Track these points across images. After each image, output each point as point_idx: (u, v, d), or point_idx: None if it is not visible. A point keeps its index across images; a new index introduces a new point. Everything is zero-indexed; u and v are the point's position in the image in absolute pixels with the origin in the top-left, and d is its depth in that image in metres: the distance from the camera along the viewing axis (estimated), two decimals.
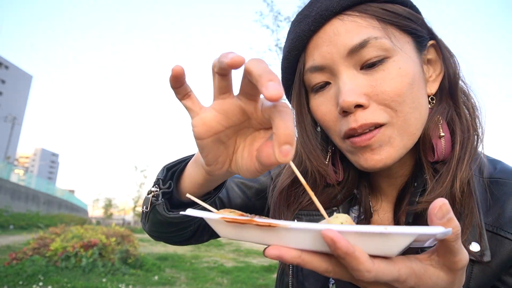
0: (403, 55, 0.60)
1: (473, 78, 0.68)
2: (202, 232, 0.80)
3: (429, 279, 0.38)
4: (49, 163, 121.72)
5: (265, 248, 0.37)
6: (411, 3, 0.64)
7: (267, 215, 0.84)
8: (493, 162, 0.67)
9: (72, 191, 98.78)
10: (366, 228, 0.33)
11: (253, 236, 0.39)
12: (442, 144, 0.63)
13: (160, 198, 0.63)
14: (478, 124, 0.65)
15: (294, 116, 0.69)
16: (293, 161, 0.69)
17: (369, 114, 0.58)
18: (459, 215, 0.59)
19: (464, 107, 0.66)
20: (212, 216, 0.40)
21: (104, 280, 6.46)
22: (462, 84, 0.67)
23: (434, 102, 0.66)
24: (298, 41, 0.64)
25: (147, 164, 56.06)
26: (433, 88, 0.66)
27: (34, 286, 5.59)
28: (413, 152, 0.67)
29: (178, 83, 0.43)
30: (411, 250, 0.49)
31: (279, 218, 0.70)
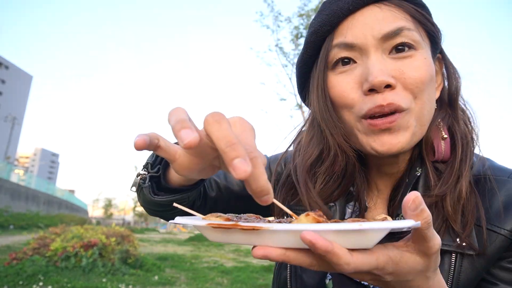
0: (428, 51, 0.64)
1: (473, 87, 0.73)
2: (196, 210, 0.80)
3: (406, 264, 0.41)
4: (49, 163, 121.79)
5: (252, 249, 0.39)
6: (432, 15, 0.69)
7: (265, 207, 0.85)
8: (482, 160, 0.70)
9: (72, 191, 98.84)
10: (342, 226, 0.36)
11: (240, 238, 0.41)
12: (442, 146, 0.67)
13: (147, 182, 0.66)
14: (474, 134, 0.70)
15: (315, 92, 0.70)
16: (314, 139, 0.74)
17: (395, 96, 0.60)
18: (462, 211, 0.62)
19: (461, 118, 0.71)
20: (200, 223, 0.42)
21: (104, 280, 6.47)
22: (460, 100, 0.72)
23: (436, 107, 0.70)
24: (333, 18, 0.65)
25: None
26: (436, 95, 0.71)
27: (34, 286, 5.60)
28: (411, 150, 0.69)
29: (144, 149, 0.41)
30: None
31: (312, 197, 0.70)
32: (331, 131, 0.69)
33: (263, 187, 0.36)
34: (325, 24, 0.66)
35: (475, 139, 0.69)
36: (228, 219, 0.43)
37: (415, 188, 0.67)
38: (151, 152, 0.67)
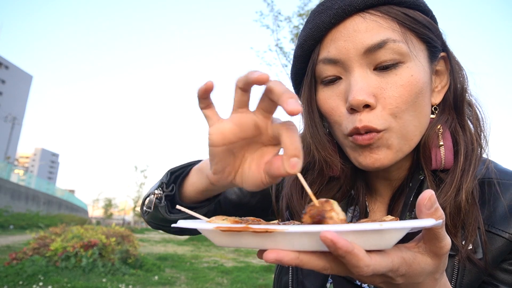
0: (417, 63, 0.61)
1: (480, 87, 0.69)
2: None
3: (418, 265, 0.41)
4: (49, 163, 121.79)
5: (263, 252, 0.37)
6: (431, 12, 0.65)
7: (264, 213, 0.85)
8: (485, 162, 0.68)
9: (72, 191, 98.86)
10: (363, 226, 0.35)
11: (250, 242, 0.39)
12: (441, 153, 0.65)
13: (163, 201, 0.68)
14: (482, 137, 0.66)
15: (303, 106, 0.70)
16: (304, 149, 0.71)
17: (372, 117, 0.59)
18: (463, 224, 0.60)
19: (468, 120, 0.67)
20: (207, 226, 0.39)
21: (104, 280, 6.46)
22: (468, 96, 0.68)
23: (437, 112, 0.68)
24: (316, 32, 0.64)
25: (147, 164, 56.09)
26: (437, 98, 0.68)
27: (34, 286, 5.59)
28: (410, 157, 0.68)
29: (205, 95, 0.47)
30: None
31: (294, 208, 0.72)
32: (316, 145, 0.69)
33: (298, 146, 0.42)
34: (309, 38, 0.65)
35: (483, 145, 0.66)
36: (237, 221, 0.42)
37: (419, 192, 0.66)
38: (166, 172, 0.73)
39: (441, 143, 0.65)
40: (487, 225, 0.61)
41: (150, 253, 11.17)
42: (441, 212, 0.39)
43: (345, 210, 0.73)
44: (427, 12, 0.64)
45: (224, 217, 0.45)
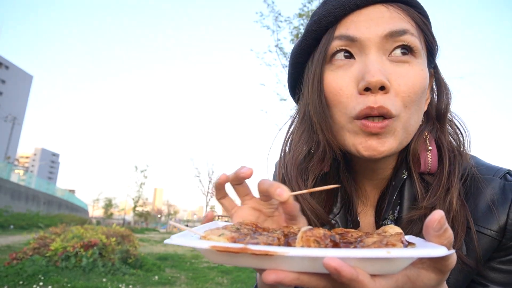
0: (423, 62, 0.63)
1: (461, 110, 0.72)
2: None
3: (422, 282, 0.40)
4: (49, 163, 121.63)
5: (261, 271, 0.37)
6: (431, 26, 0.68)
7: None
8: (467, 157, 0.68)
9: (72, 191, 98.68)
10: (369, 253, 0.33)
11: (248, 262, 0.37)
12: (429, 158, 0.66)
13: None
14: (463, 147, 0.68)
15: (310, 84, 0.67)
16: (304, 135, 0.71)
17: (387, 100, 0.58)
18: (452, 224, 0.60)
19: (448, 133, 0.70)
20: (201, 245, 0.37)
21: (104, 280, 6.46)
22: (450, 115, 0.71)
23: (423, 120, 0.69)
24: (339, 10, 0.63)
25: (147, 164, 56.01)
26: (425, 107, 0.69)
27: (34, 286, 5.59)
28: (396, 156, 0.69)
29: (221, 186, 0.57)
30: None
31: (296, 189, 0.69)
32: (322, 126, 0.66)
33: (274, 183, 0.49)
34: (330, 14, 0.63)
35: (464, 153, 0.68)
36: (234, 238, 0.39)
37: (401, 191, 0.67)
38: None
39: (430, 147, 0.66)
40: (469, 223, 0.61)
41: (150, 253, 11.16)
42: (449, 233, 0.37)
43: (345, 221, 0.73)
44: (431, 26, 0.67)
45: (221, 230, 0.42)
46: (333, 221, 0.72)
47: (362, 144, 0.60)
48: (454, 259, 0.40)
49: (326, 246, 0.36)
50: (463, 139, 0.69)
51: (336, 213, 0.72)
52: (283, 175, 0.72)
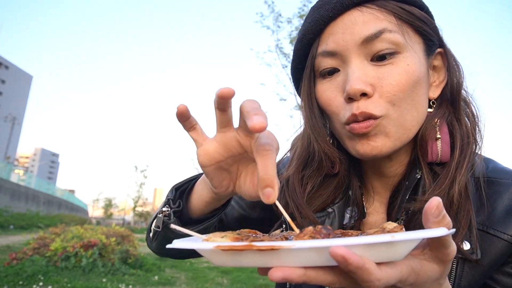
0: (413, 54, 0.62)
1: (475, 86, 0.70)
2: None
3: (425, 273, 0.40)
4: (49, 163, 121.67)
5: (265, 270, 0.36)
6: (427, 8, 0.67)
7: (268, 225, 0.82)
8: (486, 161, 0.68)
9: (72, 191, 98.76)
10: (373, 238, 0.33)
11: (253, 260, 0.36)
12: (438, 146, 0.65)
13: (172, 218, 0.67)
14: (477, 132, 0.67)
15: (303, 100, 0.72)
16: (305, 144, 0.75)
17: (369, 104, 0.60)
18: (455, 216, 0.60)
19: (464, 115, 0.68)
20: (205, 246, 0.36)
21: (104, 280, 6.46)
22: (464, 93, 0.69)
23: (434, 106, 0.68)
24: (315, 26, 0.66)
25: (147, 164, 56.03)
26: (435, 92, 0.69)
27: (34, 286, 5.59)
28: (407, 152, 0.69)
29: (184, 118, 0.49)
30: None
31: (297, 201, 0.71)
32: (316, 137, 0.70)
33: (271, 176, 0.41)
34: (308, 32, 0.67)
35: (478, 139, 0.66)
36: (236, 238, 0.39)
37: (415, 191, 0.66)
38: (170, 188, 0.72)
39: (438, 136, 0.65)
40: (485, 226, 0.60)
41: (150, 253, 11.14)
42: (448, 219, 0.38)
43: (342, 210, 0.73)
44: (423, 7, 0.66)
45: (223, 233, 0.42)
46: (330, 210, 0.72)
47: (356, 146, 0.63)
48: (454, 248, 0.40)
49: (324, 238, 0.36)
50: (477, 122, 0.67)
51: (335, 203, 0.73)
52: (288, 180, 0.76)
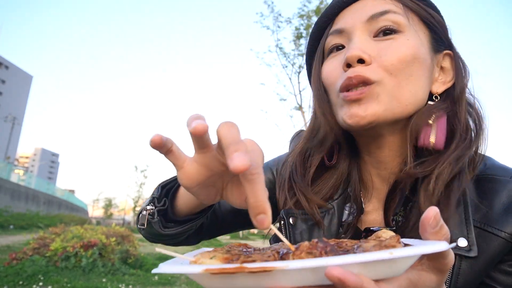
0: (415, 35, 0.65)
1: (480, 87, 0.70)
2: (199, 235, 0.83)
3: (423, 284, 0.39)
4: (49, 163, 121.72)
5: None
6: (436, 7, 0.70)
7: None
8: (483, 159, 0.68)
9: (72, 191, 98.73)
10: (371, 256, 0.31)
11: (246, 282, 0.34)
12: (429, 132, 0.64)
13: (155, 216, 0.66)
14: (481, 134, 0.66)
15: (314, 80, 0.75)
16: (310, 125, 0.76)
17: (367, 70, 0.62)
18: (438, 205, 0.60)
19: (468, 115, 0.67)
20: (193, 270, 0.33)
21: (104, 280, 6.46)
22: (469, 95, 0.69)
23: (437, 100, 0.69)
24: (330, 10, 0.72)
25: (147, 164, 56.04)
26: (439, 88, 0.69)
27: (34, 286, 5.59)
28: (402, 140, 0.68)
29: (159, 147, 0.43)
30: None
31: (297, 181, 0.73)
32: (323, 109, 0.72)
33: (261, 202, 0.37)
34: (324, 15, 0.73)
35: (482, 141, 0.65)
36: (227, 258, 0.37)
37: (414, 187, 0.65)
38: (157, 186, 0.72)
39: (431, 121, 0.64)
40: (483, 224, 0.60)
41: (150, 253, 11.16)
42: (446, 229, 0.37)
43: (342, 207, 0.73)
44: (432, 6, 0.70)
45: (212, 253, 0.39)
46: (329, 205, 0.72)
47: (346, 114, 0.64)
48: (452, 258, 0.39)
49: (321, 253, 0.35)
50: (481, 123, 0.67)
51: (335, 199, 0.73)
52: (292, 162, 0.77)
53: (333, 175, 0.74)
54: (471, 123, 0.67)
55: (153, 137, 0.42)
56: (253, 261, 0.35)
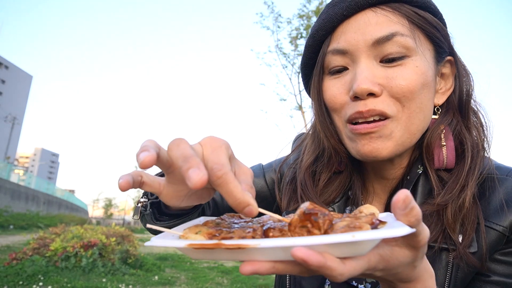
0: (422, 58, 0.62)
1: (484, 90, 0.71)
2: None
3: (396, 259, 0.41)
4: (49, 163, 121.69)
5: (240, 266, 0.37)
6: (441, 15, 0.67)
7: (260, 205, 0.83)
8: (486, 160, 0.69)
9: (72, 191, 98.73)
10: (335, 238, 0.34)
11: (225, 256, 0.39)
12: (443, 153, 0.66)
13: (148, 209, 0.66)
14: (485, 142, 0.68)
15: (313, 96, 0.72)
16: (315, 141, 0.76)
17: (379, 103, 0.60)
18: (462, 222, 0.61)
19: (473, 124, 0.68)
20: (179, 244, 0.38)
21: (104, 280, 6.46)
22: (472, 102, 0.70)
23: (439, 112, 0.69)
24: (328, 23, 0.66)
25: None
26: (440, 99, 0.69)
27: (34, 286, 5.59)
28: (408, 155, 0.70)
29: (129, 189, 0.43)
30: None
31: (308, 194, 0.73)
32: (325, 133, 0.71)
33: (240, 199, 0.38)
34: (321, 28, 0.68)
35: (487, 148, 0.67)
36: (211, 233, 0.41)
37: (415, 187, 0.67)
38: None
39: (444, 143, 0.66)
40: (482, 219, 0.62)
41: (150, 253, 11.17)
42: (416, 210, 0.38)
43: (342, 210, 0.74)
44: (437, 14, 0.66)
45: (199, 227, 0.43)
46: (330, 208, 0.73)
47: (358, 145, 0.64)
48: (425, 235, 0.40)
49: (313, 224, 0.38)
50: (486, 132, 0.68)
51: (336, 202, 0.74)
52: (296, 176, 0.77)
53: (336, 180, 0.75)
54: (474, 133, 0.68)
55: (120, 183, 0.41)
56: (232, 238, 0.39)
